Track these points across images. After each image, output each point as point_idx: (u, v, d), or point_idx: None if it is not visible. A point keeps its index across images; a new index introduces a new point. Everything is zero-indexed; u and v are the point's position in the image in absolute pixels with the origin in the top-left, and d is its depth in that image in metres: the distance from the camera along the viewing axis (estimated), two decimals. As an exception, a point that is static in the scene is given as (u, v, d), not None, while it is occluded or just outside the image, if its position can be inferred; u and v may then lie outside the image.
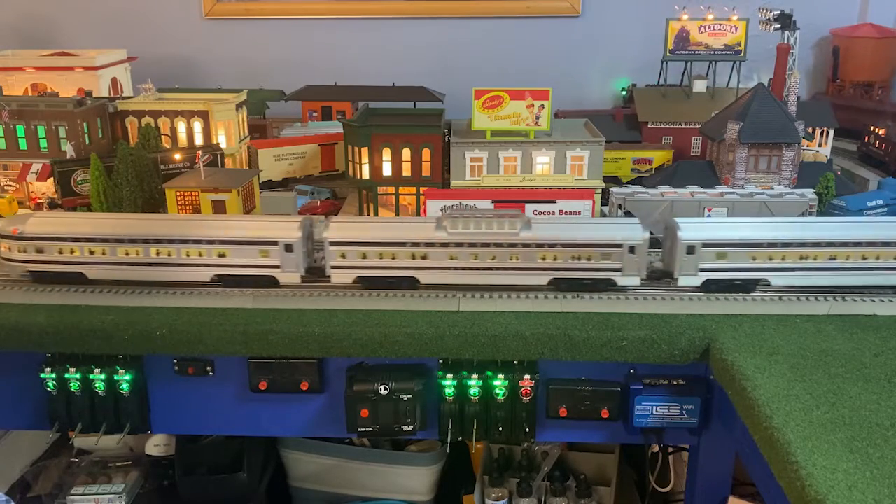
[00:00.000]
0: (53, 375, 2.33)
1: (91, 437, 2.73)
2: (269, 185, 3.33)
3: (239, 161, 3.35)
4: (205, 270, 2.38)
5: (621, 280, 2.35)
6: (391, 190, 2.89)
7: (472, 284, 2.38)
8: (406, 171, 2.86)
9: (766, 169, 2.81)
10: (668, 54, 3.46)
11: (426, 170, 2.85)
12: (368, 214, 2.93)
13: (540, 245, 2.32)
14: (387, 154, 2.84)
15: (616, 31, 4.48)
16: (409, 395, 2.28)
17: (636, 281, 2.35)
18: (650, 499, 3.39)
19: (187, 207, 2.79)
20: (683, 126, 3.44)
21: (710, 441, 2.41)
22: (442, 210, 2.64)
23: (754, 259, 2.31)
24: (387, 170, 2.86)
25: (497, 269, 2.35)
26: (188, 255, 2.37)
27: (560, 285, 2.37)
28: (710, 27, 3.41)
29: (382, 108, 3.30)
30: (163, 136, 3.24)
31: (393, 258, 2.35)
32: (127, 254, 2.37)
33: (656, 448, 3.30)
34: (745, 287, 2.34)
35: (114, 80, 3.89)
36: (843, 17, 4.43)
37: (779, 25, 3.15)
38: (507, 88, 2.85)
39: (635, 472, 3.54)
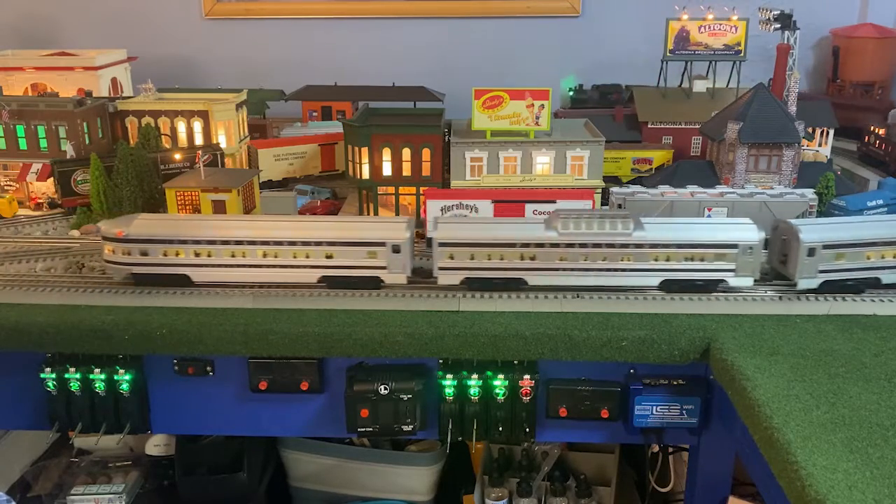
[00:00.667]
0: (53, 375, 2.32)
1: (91, 437, 2.73)
2: (269, 185, 3.33)
3: (239, 161, 3.35)
4: (311, 272, 2.36)
5: (734, 281, 2.32)
6: (391, 190, 2.89)
7: (581, 286, 2.35)
8: (406, 171, 2.86)
9: (766, 169, 2.81)
10: (668, 54, 3.46)
11: (426, 170, 2.85)
12: (368, 214, 2.93)
13: (653, 246, 2.30)
14: (387, 154, 2.84)
15: (616, 31, 4.48)
16: (409, 395, 2.28)
17: (749, 282, 2.33)
18: (650, 499, 3.39)
19: (187, 207, 2.79)
20: (683, 126, 3.43)
21: (710, 441, 2.41)
22: (442, 210, 2.64)
23: (868, 258, 2.29)
24: (387, 170, 2.86)
25: (607, 270, 2.32)
26: (295, 257, 2.35)
27: (671, 286, 2.34)
28: (710, 27, 3.41)
29: (382, 108, 3.30)
30: (163, 136, 3.24)
31: (501, 259, 2.32)
32: (233, 255, 2.35)
33: (656, 448, 3.30)
34: (857, 287, 2.32)
35: (114, 80, 3.89)
36: (843, 17, 4.43)
37: (779, 25, 3.15)
38: (507, 88, 2.85)
39: (635, 472, 3.54)
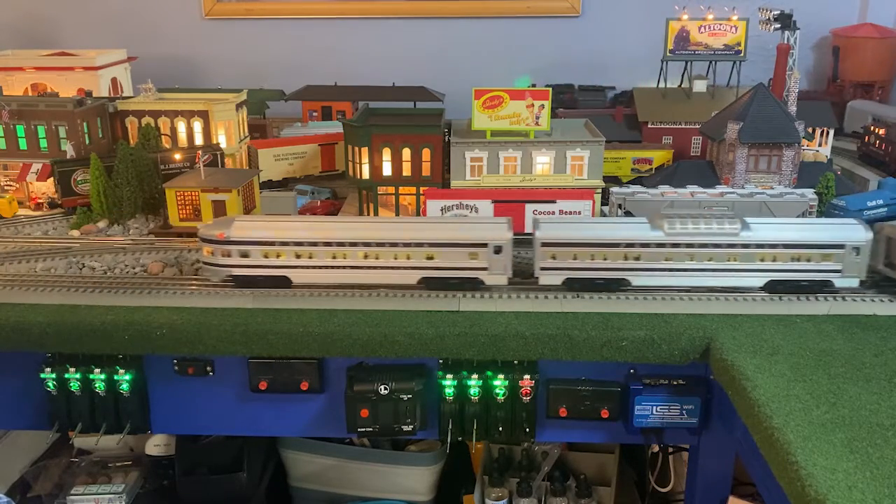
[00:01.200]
0: (53, 375, 2.33)
1: (91, 437, 2.73)
2: (269, 185, 3.33)
3: (239, 161, 3.35)
4: (411, 273, 2.35)
5: (840, 282, 2.30)
6: (391, 190, 2.89)
7: (685, 286, 2.33)
8: (406, 171, 2.86)
9: (766, 169, 2.81)
10: (668, 54, 3.46)
11: (426, 170, 2.85)
12: (368, 214, 2.93)
13: (759, 246, 2.28)
14: (387, 154, 2.84)
15: (616, 31, 4.48)
16: (409, 395, 2.28)
17: (855, 283, 2.31)
18: (650, 499, 3.39)
19: (187, 207, 2.79)
20: (683, 126, 3.43)
21: (710, 441, 2.41)
22: (442, 210, 2.64)
23: None
24: (387, 170, 2.86)
25: (712, 270, 2.31)
26: (395, 258, 2.34)
27: (776, 287, 2.32)
28: (710, 27, 3.41)
29: (382, 108, 3.30)
30: (163, 136, 3.24)
31: (605, 259, 2.31)
32: (334, 257, 2.34)
33: (656, 448, 3.30)
34: None
35: (114, 80, 3.89)
36: (843, 17, 4.43)
37: (779, 25, 3.15)
38: (507, 88, 2.85)
39: (635, 472, 3.54)
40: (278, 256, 2.35)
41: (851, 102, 4.10)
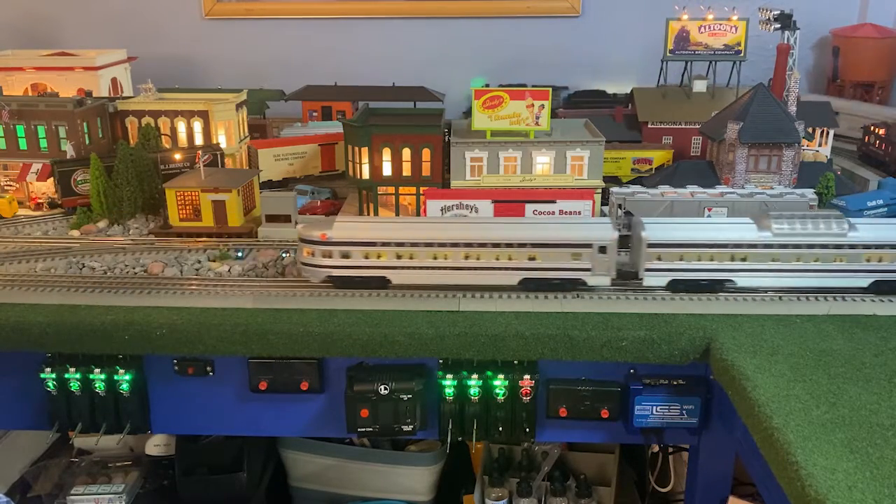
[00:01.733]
0: (53, 375, 2.32)
1: (91, 437, 2.73)
2: (269, 185, 3.33)
3: (239, 161, 3.35)
4: (512, 274, 2.34)
5: None
6: (391, 190, 2.89)
7: (790, 287, 2.33)
8: (406, 171, 2.86)
9: (766, 169, 2.81)
10: (668, 54, 3.46)
11: (426, 170, 2.85)
12: (368, 215, 2.93)
13: (866, 246, 2.27)
14: (387, 154, 2.84)
15: (616, 31, 4.48)
16: (409, 395, 2.28)
17: None
18: (650, 499, 3.39)
19: (187, 207, 2.79)
20: (683, 126, 3.43)
21: (710, 441, 2.41)
22: (442, 210, 2.64)
23: None
24: (387, 170, 2.86)
25: (818, 271, 2.30)
26: (497, 259, 2.33)
27: (881, 287, 2.32)
28: (710, 27, 3.41)
29: (382, 108, 3.30)
30: (163, 136, 3.24)
31: (711, 260, 2.30)
32: (435, 258, 2.33)
33: (656, 448, 3.30)
34: None
35: (114, 80, 3.89)
36: (843, 17, 4.43)
37: (779, 25, 3.15)
38: (507, 88, 2.84)
39: (635, 472, 3.54)
40: (379, 257, 2.34)
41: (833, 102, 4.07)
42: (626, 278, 2.40)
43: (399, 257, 2.34)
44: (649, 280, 2.33)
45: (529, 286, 2.35)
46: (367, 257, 2.34)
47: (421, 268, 2.34)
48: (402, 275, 2.36)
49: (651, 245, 2.30)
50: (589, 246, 2.30)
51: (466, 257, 2.33)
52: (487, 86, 4.08)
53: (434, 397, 2.33)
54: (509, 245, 2.32)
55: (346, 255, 2.34)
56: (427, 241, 2.32)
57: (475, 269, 2.34)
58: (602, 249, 2.30)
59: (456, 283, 2.36)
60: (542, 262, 2.33)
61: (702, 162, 3.04)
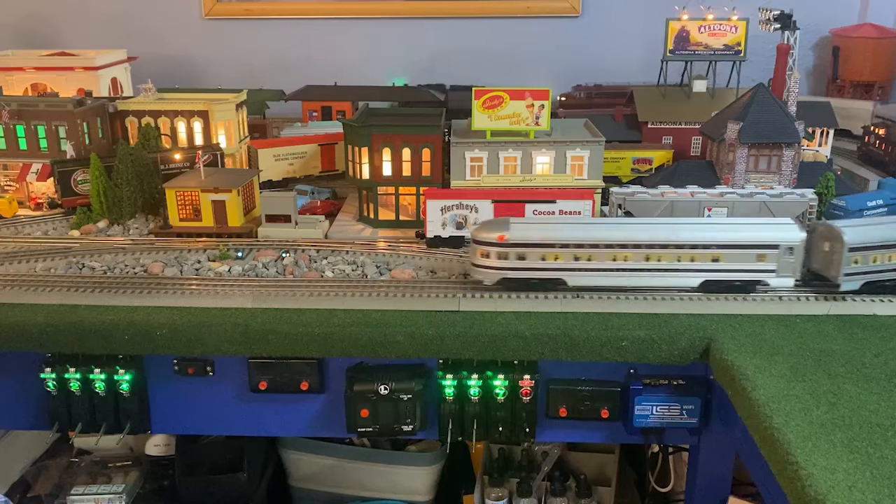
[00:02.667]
0: (53, 375, 2.33)
1: (91, 437, 2.73)
2: (269, 185, 3.33)
3: (239, 161, 3.35)
4: (694, 276, 2.30)
5: None
6: (391, 190, 2.89)
7: None
8: (406, 171, 2.86)
9: (766, 169, 2.81)
10: (668, 54, 3.46)
11: (426, 170, 2.85)
12: (368, 215, 2.93)
13: None
14: (387, 154, 2.84)
15: (616, 31, 4.48)
16: (409, 395, 2.28)
17: None
18: (650, 499, 3.40)
19: (187, 207, 2.79)
20: (683, 126, 3.43)
21: (710, 441, 2.41)
22: (442, 210, 2.64)
23: None
24: (387, 170, 2.86)
25: None
26: (679, 261, 2.29)
27: None
28: (710, 27, 3.41)
29: (382, 108, 3.29)
30: (163, 136, 3.24)
31: None
32: (614, 259, 2.30)
33: (656, 448, 3.31)
34: None
35: (114, 80, 3.89)
36: (843, 17, 4.43)
37: (779, 25, 3.14)
38: (507, 88, 2.85)
39: (635, 472, 3.54)
40: (556, 259, 2.31)
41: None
42: (807, 281, 2.35)
43: (577, 259, 2.30)
44: (847, 284, 2.27)
45: (711, 288, 2.32)
46: (543, 259, 2.31)
47: (599, 269, 2.31)
48: (578, 276, 2.32)
49: (852, 249, 2.24)
50: (776, 247, 2.27)
51: (647, 259, 2.29)
52: (406, 86, 4.09)
53: (434, 397, 2.33)
54: (693, 246, 2.28)
55: (521, 257, 2.30)
56: (608, 243, 2.29)
57: (655, 270, 2.30)
58: (789, 251, 2.27)
59: (634, 286, 2.33)
60: (725, 263, 2.28)
61: (702, 162, 3.04)
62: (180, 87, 3.79)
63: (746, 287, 2.32)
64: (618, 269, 2.31)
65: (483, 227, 2.35)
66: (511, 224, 2.32)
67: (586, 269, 2.31)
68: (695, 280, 2.31)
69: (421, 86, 4.08)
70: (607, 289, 2.34)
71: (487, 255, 2.31)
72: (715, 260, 2.29)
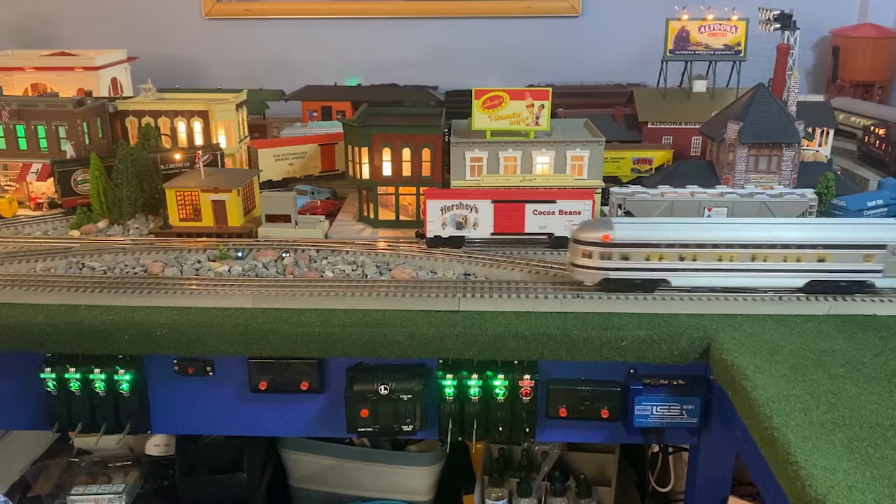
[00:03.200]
0: (53, 375, 2.33)
1: (91, 437, 2.73)
2: (269, 185, 3.33)
3: (239, 161, 3.35)
4: (799, 277, 2.28)
5: None
6: (391, 190, 2.89)
7: None
8: (406, 171, 2.86)
9: (766, 169, 2.81)
10: (668, 54, 3.46)
11: (426, 170, 2.85)
12: (368, 215, 2.93)
13: None
14: (387, 154, 2.84)
15: (616, 31, 4.48)
16: (409, 395, 2.28)
17: None
18: (650, 499, 3.40)
19: (187, 207, 2.79)
20: (683, 126, 3.43)
21: (710, 441, 2.41)
22: (442, 210, 2.64)
23: None
24: (387, 170, 2.86)
25: None
26: (785, 261, 2.28)
27: None
28: (710, 27, 3.41)
29: (382, 108, 3.30)
30: (163, 136, 3.24)
31: None
32: (720, 259, 2.28)
33: (656, 448, 3.31)
34: None
35: (114, 80, 3.89)
36: (843, 17, 4.43)
37: (779, 25, 3.14)
38: (507, 88, 2.85)
39: (635, 472, 3.54)
40: (660, 259, 2.29)
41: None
42: None
43: (681, 259, 2.29)
44: None
45: (816, 288, 2.30)
46: (647, 259, 2.29)
47: (703, 270, 2.29)
48: (682, 277, 2.31)
49: None
50: (883, 247, 2.25)
51: (753, 259, 2.28)
52: (360, 84, 4.10)
53: (434, 397, 2.33)
54: (800, 246, 2.26)
55: (625, 257, 2.29)
56: (714, 243, 2.27)
57: (760, 271, 2.29)
58: None
59: (738, 287, 2.31)
60: (831, 263, 2.26)
61: (702, 162, 3.04)
62: (180, 87, 3.79)
63: (851, 288, 2.30)
64: (722, 270, 2.29)
65: (585, 227, 2.34)
66: (615, 223, 2.30)
67: (690, 270, 2.30)
68: (799, 280, 2.30)
69: (373, 86, 4.10)
70: (711, 290, 2.32)
71: (589, 256, 2.29)
72: (821, 260, 2.27)
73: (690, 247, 2.27)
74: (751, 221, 2.41)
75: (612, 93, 4.12)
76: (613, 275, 2.30)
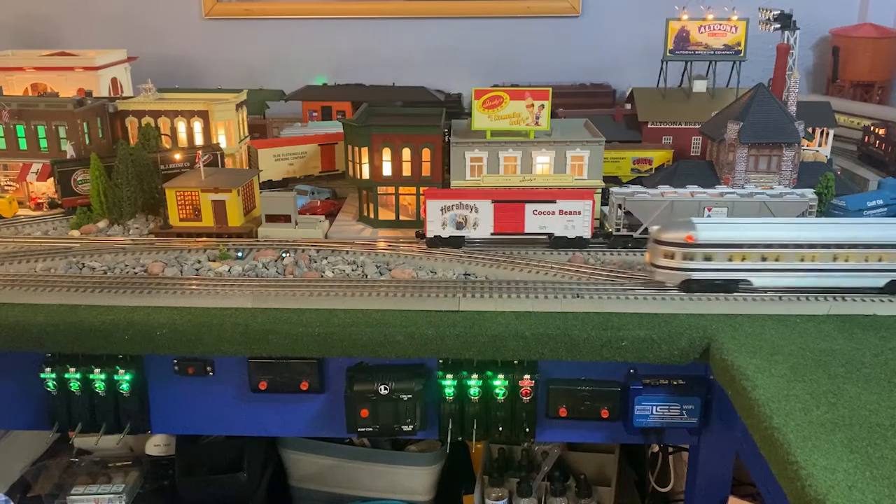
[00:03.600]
0: (53, 375, 2.33)
1: (91, 437, 2.73)
2: (269, 185, 3.33)
3: (239, 161, 3.35)
4: (881, 276, 2.28)
5: None
6: (391, 190, 2.89)
7: None
8: (406, 171, 2.86)
9: (766, 169, 2.81)
10: (668, 54, 3.46)
11: (426, 170, 2.85)
12: (368, 215, 2.93)
13: None
14: (387, 154, 2.84)
15: (616, 31, 4.48)
16: (409, 395, 2.28)
17: None
18: (650, 499, 3.40)
19: (187, 207, 2.79)
20: (683, 126, 3.43)
21: (710, 441, 2.41)
22: (442, 210, 2.64)
23: None
24: (387, 170, 2.86)
25: None
26: (867, 260, 2.27)
27: None
28: (710, 27, 3.41)
29: (382, 108, 3.30)
30: (163, 136, 3.24)
31: None
32: (801, 259, 2.27)
33: (656, 448, 3.31)
34: None
35: (114, 80, 3.89)
36: (843, 17, 4.43)
37: (779, 25, 3.14)
38: (507, 88, 2.84)
39: (635, 472, 3.54)
40: (743, 259, 2.29)
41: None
42: None
43: (764, 259, 2.29)
44: None
45: (892, 289, 2.30)
46: (730, 259, 2.29)
47: (785, 270, 2.29)
48: (764, 277, 2.30)
49: None
50: None
51: (834, 259, 2.27)
52: (325, 84, 4.16)
53: (434, 397, 2.33)
54: (882, 246, 2.26)
55: (708, 258, 2.28)
56: (797, 243, 2.26)
57: (842, 271, 2.28)
58: None
59: (819, 286, 2.30)
60: None
61: (702, 162, 3.04)
62: (180, 87, 3.80)
63: None
64: (804, 270, 2.29)
65: (666, 228, 2.33)
66: (697, 224, 2.30)
67: (773, 270, 2.30)
68: (881, 280, 2.30)
69: (339, 85, 4.12)
70: (792, 290, 2.32)
71: (672, 256, 2.29)
72: None
73: (774, 247, 2.27)
74: (833, 222, 2.42)
75: (582, 93, 4.17)
76: (696, 275, 2.30)
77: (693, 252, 2.28)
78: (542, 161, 2.83)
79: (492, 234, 2.66)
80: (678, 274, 2.31)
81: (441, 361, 2.30)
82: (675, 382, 2.27)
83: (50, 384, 2.34)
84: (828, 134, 3.37)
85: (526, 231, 2.66)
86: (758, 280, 2.31)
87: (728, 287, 2.32)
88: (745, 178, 2.80)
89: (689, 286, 2.32)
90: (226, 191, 2.77)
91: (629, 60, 4.39)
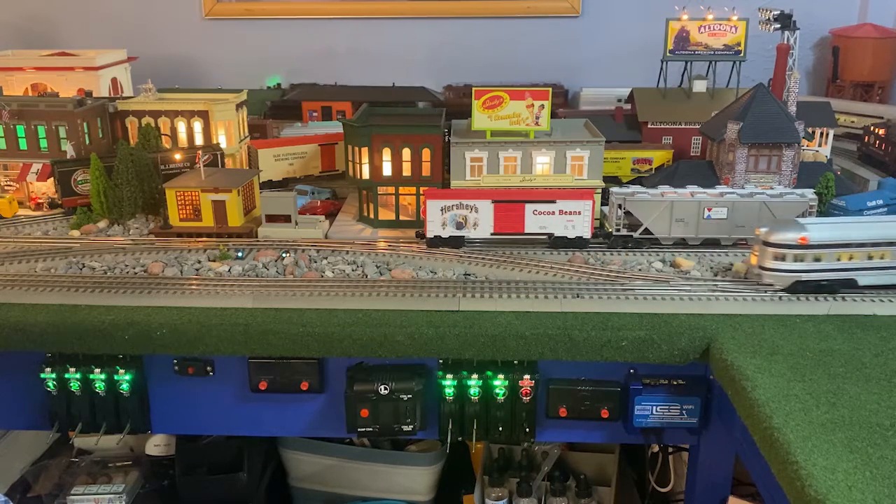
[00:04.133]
0: (53, 375, 2.33)
1: (91, 437, 2.73)
2: (269, 185, 3.33)
3: (239, 161, 3.35)
4: None
5: None
6: (391, 190, 2.89)
7: None
8: (406, 171, 2.86)
9: (766, 169, 2.81)
10: (668, 54, 3.46)
11: (426, 170, 2.85)
12: (368, 215, 2.93)
13: None
14: (387, 154, 2.84)
15: (616, 31, 4.49)
16: (409, 395, 2.28)
17: None
18: (650, 499, 3.40)
19: (187, 207, 2.79)
20: (683, 126, 3.43)
21: (710, 441, 2.41)
22: (442, 210, 2.64)
23: None
24: (387, 170, 2.86)
25: None
26: None
27: None
28: (709, 27, 3.41)
29: (382, 108, 3.30)
30: (163, 136, 3.24)
31: None
32: None
33: (656, 448, 3.31)
34: None
35: (114, 80, 3.90)
36: (843, 17, 4.44)
37: (779, 25, 3.15)
38: (507, 88, 2.85)
39: (635, 472, 3.54)
40: (850, 258, 2.29)
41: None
42: None
43: (870, 258, 2.29)
44: None
45: None
46: (838, 259, 2.29)
47: (890, 268, 2.30)
48: (870, 276, 2.31)
49: None
50: None
51: None
52: (279, 85, 4.17)
53: (434, 397, 2.33)
54: None
55: (818, 259, 2.28)
56: None
57: None
58: None
59: None
60: None
61: (702, 162, 3.04)
62: (180, 87, 3.80)
63: None
64: None
65: (775, 230, 2.32)
66: (808, 225, 2.29)
67: (878, 269, 2.30)
68: None
69: (293, 85, 4.13)
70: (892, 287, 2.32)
71: (783, 258, 2.29)
72: None
73: (881, 245, 2.28)
74: None
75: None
76: (805, 276, 2.30)
77: (804, 254, 2.28)
78: (542, 161, 2.83)
79: (492, 234, 2.66)
80: (789, 276, 2.31)
81: (441, 361, 2.30)
82: (675, 382, 2.27)
83: (50, 384, 2.34)
84: (828, 134, 3.37)
85: (526, 231, 2.66)
86: (863, 279, 2.31)
87: (833, 287, 2.32)
88: (744, 178, 2.80)
89: (796, 287, 2.31)
90: (226, 191, 2.77)
91: (629, 60, 4.39)
